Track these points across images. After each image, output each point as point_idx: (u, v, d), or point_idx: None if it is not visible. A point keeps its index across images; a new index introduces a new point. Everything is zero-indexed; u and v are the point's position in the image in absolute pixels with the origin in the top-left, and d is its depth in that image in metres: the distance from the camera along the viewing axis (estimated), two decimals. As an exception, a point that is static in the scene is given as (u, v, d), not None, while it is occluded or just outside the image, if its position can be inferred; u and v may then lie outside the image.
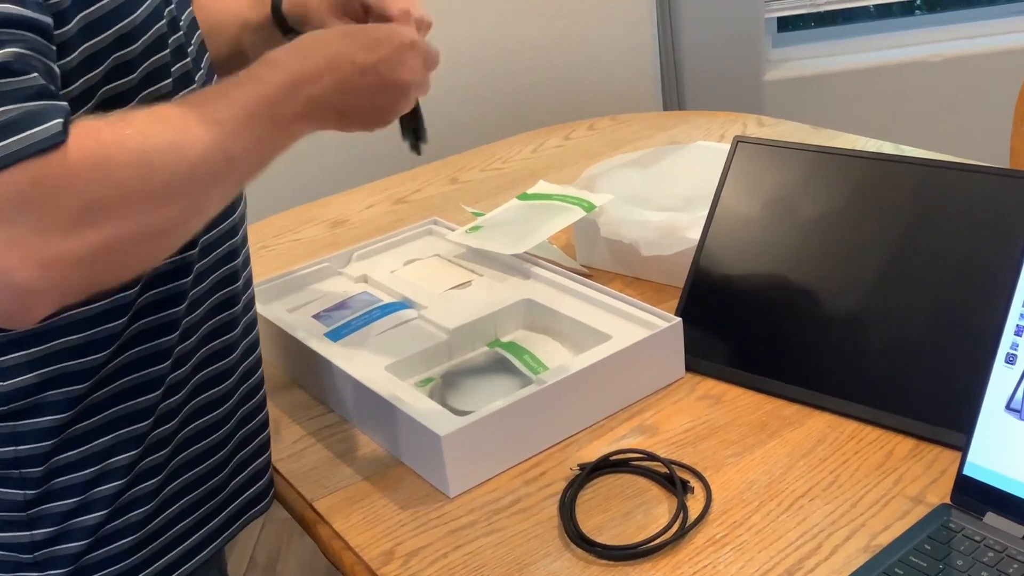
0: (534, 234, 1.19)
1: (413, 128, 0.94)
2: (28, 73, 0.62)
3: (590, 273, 1.23)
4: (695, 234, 1.11)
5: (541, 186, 1.33)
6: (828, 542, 0.79)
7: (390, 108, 0.81)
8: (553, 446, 0.94)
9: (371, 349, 1.04)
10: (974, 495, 0.79)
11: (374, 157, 1.93)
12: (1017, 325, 0.79)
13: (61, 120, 0.61)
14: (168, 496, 0.84)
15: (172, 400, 0.82)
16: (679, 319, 1.02)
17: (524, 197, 1.30)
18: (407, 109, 0.83)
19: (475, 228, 1.25)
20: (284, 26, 0.97)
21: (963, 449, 0.80)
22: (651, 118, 1.79)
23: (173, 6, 0.80)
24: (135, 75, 0.75)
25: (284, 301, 1.17)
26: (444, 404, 0.96)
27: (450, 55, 2.09)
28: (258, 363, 0.94)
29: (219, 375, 0.87)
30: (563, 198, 1.25)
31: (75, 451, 0.78)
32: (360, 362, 1.01)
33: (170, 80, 0.78)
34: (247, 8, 0.98)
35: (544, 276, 1.14)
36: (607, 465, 0.90)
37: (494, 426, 0.90)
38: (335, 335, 1.07)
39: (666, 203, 1.22)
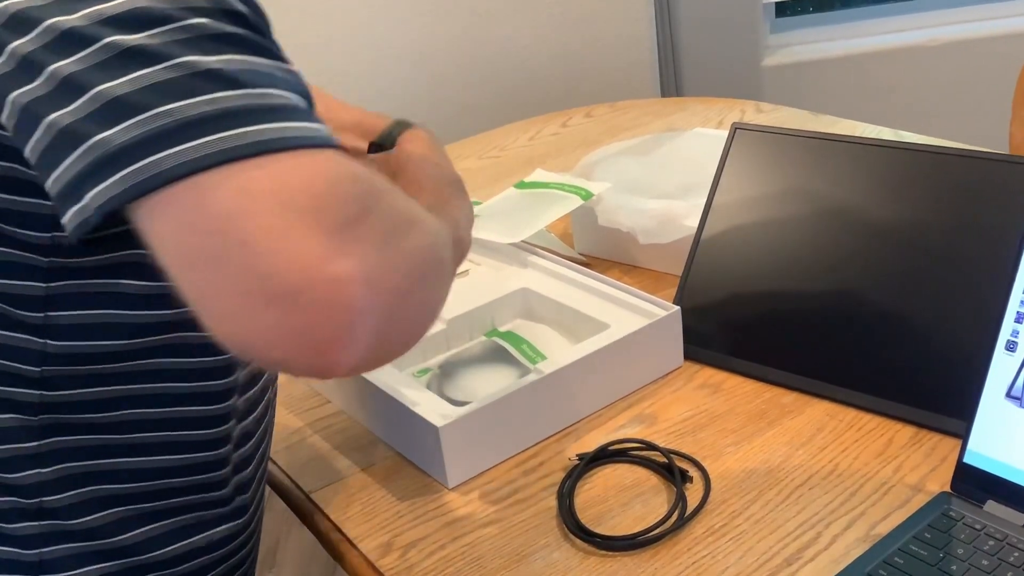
0: (531, 223, 1.18)
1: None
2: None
3: (588, 262, 1.22)
4: (693, 222, 1.11)
5: (538, 174, 1.32)
6: (827, 531, 0.79)
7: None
8: (551, 436, 0.94)
9: (368, 339, 1.04)
10: (974, 483, 0.79)
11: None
12: (1017, 312, 0.78)
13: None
14: None
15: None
16: (677, 307, 1.01)
17: (521, 186, 1.30)
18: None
19: (472, 217, 1.24)
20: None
21: (963, 437, 0.80)
22: (649, 105, 1.78)
23: None
24: None
25: (280, 291, 1.16)
26: (441, 394, 0.95)
27: (447, 43, 2.09)
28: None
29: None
30: (560, 186, 1.24)
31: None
32: (357, 353, 1.00)
33: None
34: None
35: (542, 265, 1.14)
36: (605, 455, 0.90)
37: (492, 417, 0.90)
38: (332, 326, 1.06)
39: (664, 191, 1.22)
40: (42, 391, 0.69)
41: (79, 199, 0.50)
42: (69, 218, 0.51)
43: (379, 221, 0.49)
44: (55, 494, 0.71)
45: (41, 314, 0.67)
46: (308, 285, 0.45)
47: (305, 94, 0.55)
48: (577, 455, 0.90)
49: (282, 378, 1.10)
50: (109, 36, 0.51)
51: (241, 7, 0.55)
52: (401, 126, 0.87)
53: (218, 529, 0.79)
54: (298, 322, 0.46)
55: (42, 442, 0.70)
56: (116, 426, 0.71)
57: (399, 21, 2.01)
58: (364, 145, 0.87)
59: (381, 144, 0.87)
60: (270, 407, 0.86)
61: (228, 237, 0.46)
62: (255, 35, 0.55)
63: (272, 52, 0.55)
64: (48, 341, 0.68)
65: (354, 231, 0.47)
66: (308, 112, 0.53)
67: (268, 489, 0.98)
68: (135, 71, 0.50)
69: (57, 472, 0.71)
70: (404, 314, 0.51)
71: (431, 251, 0.54)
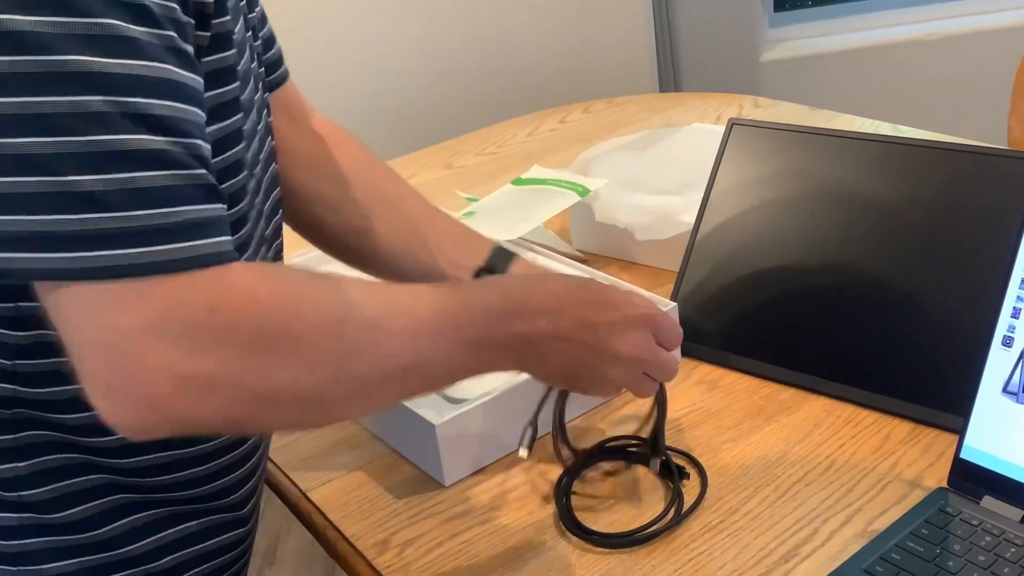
0: (529, 219, 1.18)
1: (653, 437, 0.85)
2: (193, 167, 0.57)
3: (585, 258, 1.22)
4: (690, 218, 1.10)
5: (536, 171, 1.32)
6: (824, 527, 0.79)
7: (599, 377, 0.73)
8: (548, 434, 0.94)
9: (365, 337, 1.03)
10: (971, 479, 0.79)
11: (368, 143, 1.92)
12: (1014, 307, 0.78)
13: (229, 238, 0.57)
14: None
15: None
16: (674, 304, 1.01)
17: (519, 182, 1.30)
18: (617, 389, 0.76)
19: (470, 213, 1.24)
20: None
21: (960, 432, 0.80)
22: (647, 100, 1.78)
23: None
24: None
25: (278, 289, 1.16)
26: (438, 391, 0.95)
27: (445, 39, 2.08)
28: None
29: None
30: (557, 183, 1.24)
31: None
32: (354, 350, 1.00)
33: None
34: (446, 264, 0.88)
35: (539, 261, 1.13)
36: (603, 452, 0.90)
37: (488, 415, 0.89)
38: (329, 323, 1.06)
39: (661, 186, 1.22)
40: (15, 386, 0.68)
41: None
42: None
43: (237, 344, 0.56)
44: (33, 488, 0.71)
45: (11, 304, 0.66)
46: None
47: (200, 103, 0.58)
48: (574, 452, 0.90)
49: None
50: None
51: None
52: (507, 256, 0.86)
53: (199, 521, 0.78)
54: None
55: (17, 435, 0.69)
56: (87, 428, 0.70)
57: (397, 18, 2.01)
58: (471, 265, 0.86)
59: (491, 269, 0.85)
60: None
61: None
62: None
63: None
64: (18, 333, 0.67)
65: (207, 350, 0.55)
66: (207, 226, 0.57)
67: (266, 488, 0.97)
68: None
69: (33, 466, 0.70)
70: (258, 411, 0.59)
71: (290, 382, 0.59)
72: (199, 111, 0.59)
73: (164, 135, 0.56)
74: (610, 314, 0.72)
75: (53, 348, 0.66)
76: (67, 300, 0.55)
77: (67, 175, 0.53)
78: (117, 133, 0.54)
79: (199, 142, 0.58)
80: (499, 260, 0.87)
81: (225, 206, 0.59)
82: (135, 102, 0.55)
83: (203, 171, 0.57)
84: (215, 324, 0.55)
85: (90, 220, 0.54)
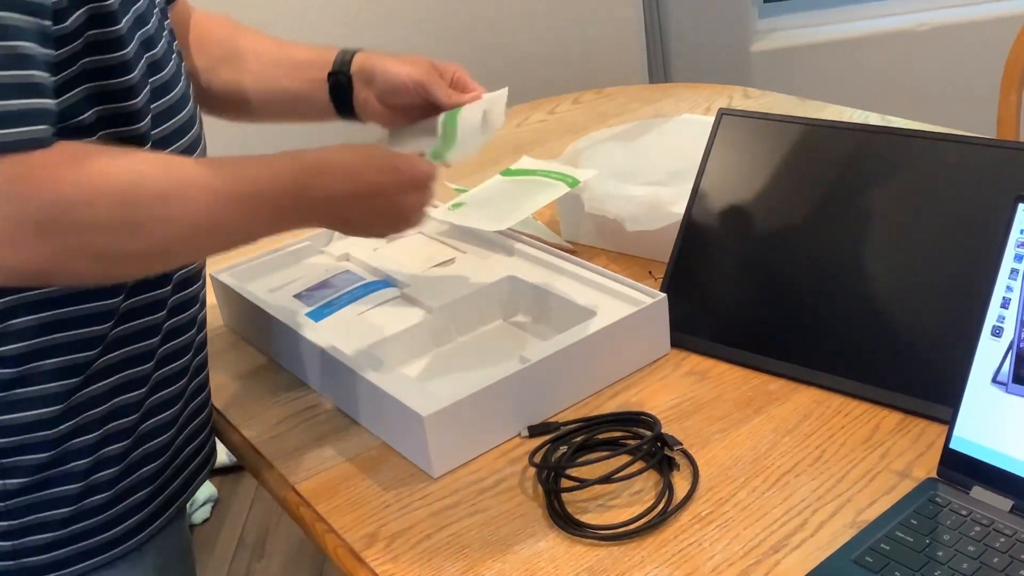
0: (518, 210, 1.17)
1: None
2: (25, 68, 0.66)
3: (575, 249, 1.22)
4: (680, 208, 1.10)
5: (525, 161, 1.31)
6: (814, 518, 0.79)
7: (390, 228, 0.87)
8: (538, 425, 0.94)
9: (353, 329, 1.03)
10: (961, 469, 0.79)
11: (357, 133, 1.91)
12: (1003, 297, 0.78)
13: (49, 126, 0.66)
14: (134, 461, 0.87)
15: (147, 366, 0.86)
16: (664, 295, 1.01)
17: (507, 173, 1.29)
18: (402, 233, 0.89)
19: (458, 205, 1.23)
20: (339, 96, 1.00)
21: (949, 423, 0.80)
22: (637, 91, 1.77)
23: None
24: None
25: (265, 280, 1.15)
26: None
27: (433, 29, 2.07)
28: (203, 326, 0.97)
29: (183, 347, 0.91)
30: (547, 173, 1.23)
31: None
32: (342, 342, 1.00)
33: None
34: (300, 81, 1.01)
35: (528, 253, 1.13)
36: (592, 443, 0.90)
37: (478, 406, 0.89)
38: (317, 315, 1.06)
39: (651, 177, 1.21)
40: None
41: None
42: None
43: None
44: None
45: None
46: None
47: None
48: (564, 443, 0.89)
49: (266, 369, 1.09)
50: None
51: None
52: (349, 53, 0.99)
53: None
54: None
55: None
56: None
57: (385, 8, 2.00)
58: (323, 76, 0.99)
59: (338, 73, 0.98)
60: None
61: None
62: None
63: None
64: None
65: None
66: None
67: (254, 481, 0.97)
68: None
69: None
70: (57, 273, 0.70)
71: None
72: (30, 17, 0.66)
73: None
74: (398, 177, 0.83)
75: None
76: None
77: None
78: None
79: (22, 44, 0.66)
80: (343, 64, 0.99)
81: (52, 101, 0.68)
82: None
83: (22, 72, 0.66)
84: (14, 193, 0.65)
85: None
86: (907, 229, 0.95)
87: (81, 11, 0.72)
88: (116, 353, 0.83)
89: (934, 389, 0.88)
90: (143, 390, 0.86)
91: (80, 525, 0.84)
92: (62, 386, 0.80)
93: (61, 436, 0.81)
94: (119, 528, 0.87)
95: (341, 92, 0.99)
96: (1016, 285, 0.78)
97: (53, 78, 0.70)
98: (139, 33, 0.79)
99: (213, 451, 1.00)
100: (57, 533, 0.83)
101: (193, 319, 0.92)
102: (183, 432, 0.93)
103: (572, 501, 0.84)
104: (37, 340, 0.78)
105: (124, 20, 0.76)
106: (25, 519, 0.82)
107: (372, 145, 0.86)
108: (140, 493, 0.88)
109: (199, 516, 2.19)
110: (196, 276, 0.92)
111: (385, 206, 0.83)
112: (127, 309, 0.83)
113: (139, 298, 0.84)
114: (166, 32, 0.86)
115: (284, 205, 0.78)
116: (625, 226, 1.15)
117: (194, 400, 0.95)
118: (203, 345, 0.97)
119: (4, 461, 0.80)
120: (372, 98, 0.98)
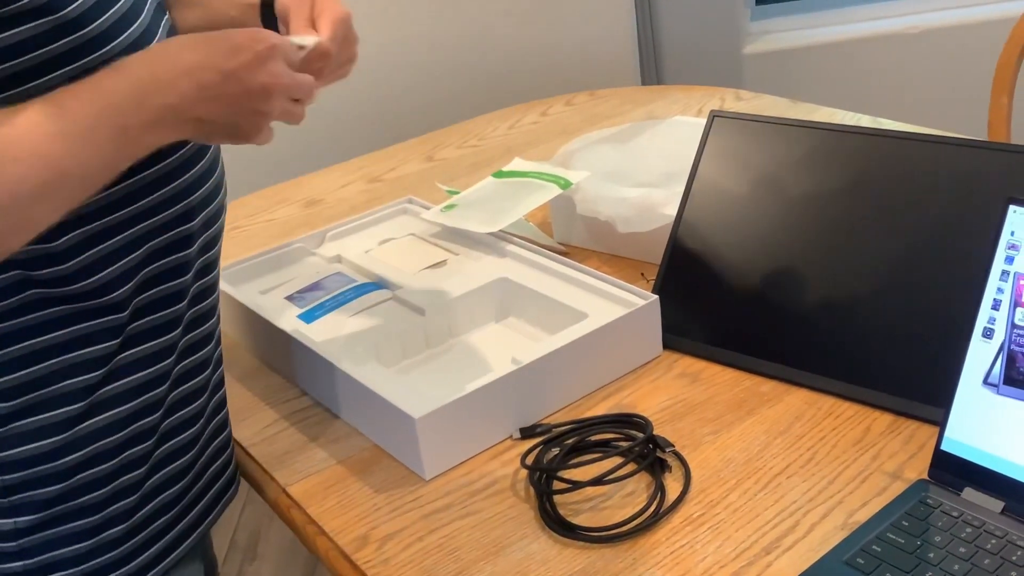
0: (510, 212, 1.18)
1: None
2: None
3: (567, 251, 1.22)
4: (672, 210, 1.10)
5: (517, 163, 1.31)
6: (806, 519, 0.79)
7: (257, 119, 0.75)
8: (530, 426, 0.93)
9: (345, 330, 1.03)
10: (952, 470, 0.79)
11: (349, 135, 1.91)
12: (994, 299, 0.78)
13: None
14: (152, 488, 0.84)
15: (161, 389, 0.83)
16: (656, 297, 1.01)
17: (500, 175, 1.29)
18: (270, 121, 0.76)
19: (450, 207, 1.24)
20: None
21: (941, 424, 0.80)
22: (629, 93, 1.77)
23: None
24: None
25: (257, 282, 1.15)
26: None
27: (425, 31, 2.07)
28: (219, 342, 0.93)
29: (200, 364, 0.87)
30: (539, 175, 1.24)
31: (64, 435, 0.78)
32: (334, 344, 0.99)
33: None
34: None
35: (520, 254, 1.13)
36: (584, 445, 0.89)
37: (469, 407, 0.89)
38: (308, 316, 1.06)
39: (643, 179, 1.21)
40: None
41: None
42: None
43: None
44: None
45: None
46: None
47: None
48: (556, 445, 0.89)
49: (257, 371, 1.09)
50: None
51: None
52: None
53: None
54: None
55: None
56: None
57: (379, 11, 2.00)
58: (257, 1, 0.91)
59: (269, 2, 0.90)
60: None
61: None
62: None
63: None
64: None
65: None
66: None
67: (246, 484, 0.97)
68: None
69: None
70: None
71: None
72: None
73: None
74: (242, 56, 0.72)
75: None
76: None
77: None
78: None
79: None
80: None
81: None
82: None
83: None
84: None
85: None
86: (899, 231, 0.95)
87: None
88: (127, 379, 0.80)
89: (925, 391, 0.88)
90: (158, 414, 0.83)
91: (98, 560, 0.81)
92: (64, 413, 0.77)
93: (70, 468, 0.78)
94: (140, 560, 0.84)
95: (269, 15, 0.91)
96: (1007, 287, 0.78)
97: None
98: None
99: (236, 471, 0.97)
100: (76, 569, 0.80)
101: (211, 333, 0.89)
102: (204, 453, 0.90)
103: (564, 503, 0.83)
104: (33, 368, 0.75)
105: None
106: (41, 557, 0.79)
107: (206, 34, 0.75)
108: (159, 521, 0.85)
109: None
110: (213, 287, 0.89)
111: (237, 92, 0.72)
112: (135, 331, 0.80)
113: (150, 318, 0.80)
114: None
115: (129, 125, 0.69)
116: (617, 228, 1.15)
117: (214, 419, 0.91)
118: (220, 361, 0.93)
119: (12, 498, 0.77)
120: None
